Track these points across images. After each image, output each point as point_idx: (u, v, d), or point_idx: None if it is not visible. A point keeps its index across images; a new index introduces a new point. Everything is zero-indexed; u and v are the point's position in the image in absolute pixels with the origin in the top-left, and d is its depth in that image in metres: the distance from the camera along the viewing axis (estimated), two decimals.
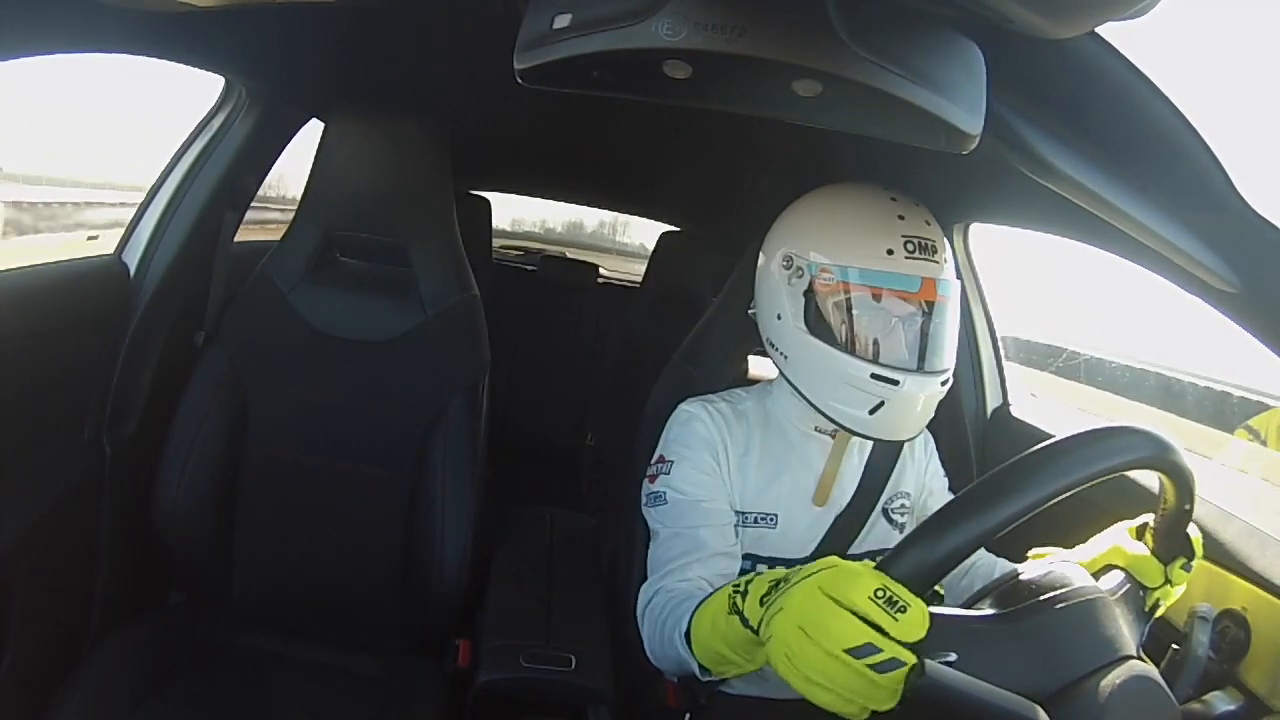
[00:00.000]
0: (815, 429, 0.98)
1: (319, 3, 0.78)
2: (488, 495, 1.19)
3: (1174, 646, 0.66)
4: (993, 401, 1.33)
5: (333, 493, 1.17)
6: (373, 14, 0.97)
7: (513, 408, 2.22)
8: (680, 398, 1.02)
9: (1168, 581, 0.68)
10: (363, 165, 1.19)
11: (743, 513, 0.96)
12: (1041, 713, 0.51)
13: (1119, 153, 0.68)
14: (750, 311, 1.00)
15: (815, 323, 0.89)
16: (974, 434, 1.30)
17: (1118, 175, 0.68)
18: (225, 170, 1.20)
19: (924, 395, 0.88)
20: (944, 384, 0.90)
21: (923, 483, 1.05)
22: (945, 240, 0.90)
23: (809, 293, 0.89)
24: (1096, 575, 0.64)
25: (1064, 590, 0.58)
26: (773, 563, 0.96)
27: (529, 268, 2.54)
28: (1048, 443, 0.57)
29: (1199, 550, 0.69)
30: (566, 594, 1.12)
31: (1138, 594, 0.65)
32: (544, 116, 1.42)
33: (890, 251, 0.86)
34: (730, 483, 0.96)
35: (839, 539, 0.97)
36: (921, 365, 0.89)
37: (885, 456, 1.00)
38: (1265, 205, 0.65)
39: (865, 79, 0.56)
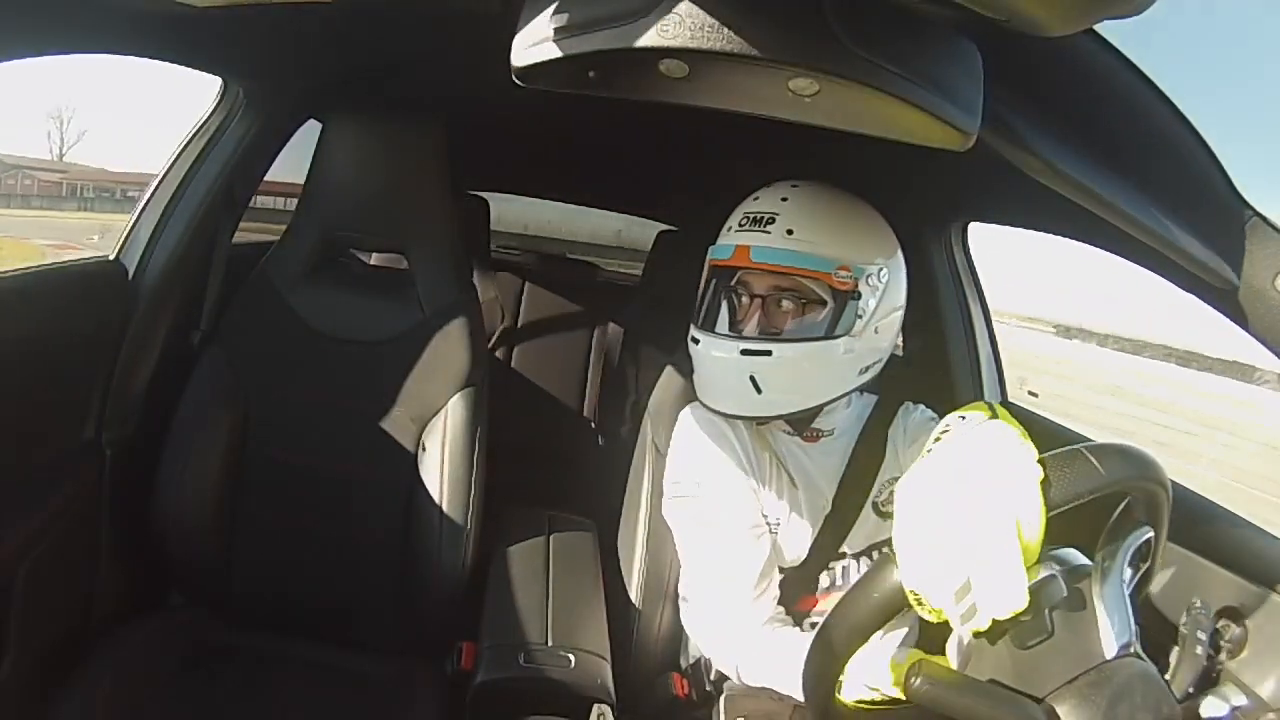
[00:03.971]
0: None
1: (315, 2, 0.78)
2: (487, 496, 1.19)
3: (1173, 644, 0.66)
4: (990, 399, 1.33)
5: (332, 493, 1.17)
6: (369, 13, 0.97)
7: (511, 407, 2.21)
8: (681, 397, 1.02)
9: None
10: (361, 165, 1.19)
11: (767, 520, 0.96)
12: (1041, 711, 0.51)
13: (1117, 151, 0.68)
14: None
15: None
16: None
17: (1116, 173, 0.68)
18: (223, 171, 1.20)
19: (724, 357, 0.89)
20: (749, 353, 0.88)
21: (909, 457, 0.99)
22: (810, 219, 0.88)
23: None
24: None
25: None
26: None
27: (527, 267, 2.53)
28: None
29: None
30: (566, 594, 1.12)
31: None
32: (542, 116, 1.42)
33: (729, 229, 0.93)
34: (756, 495, 0.96)
35: (828, 542, 0.95)
36: (721, 329, 0.94)
37: (869, 452, 0.98)
38: (1264, 203, 0.65)
39: (862, 77, 0.56)
